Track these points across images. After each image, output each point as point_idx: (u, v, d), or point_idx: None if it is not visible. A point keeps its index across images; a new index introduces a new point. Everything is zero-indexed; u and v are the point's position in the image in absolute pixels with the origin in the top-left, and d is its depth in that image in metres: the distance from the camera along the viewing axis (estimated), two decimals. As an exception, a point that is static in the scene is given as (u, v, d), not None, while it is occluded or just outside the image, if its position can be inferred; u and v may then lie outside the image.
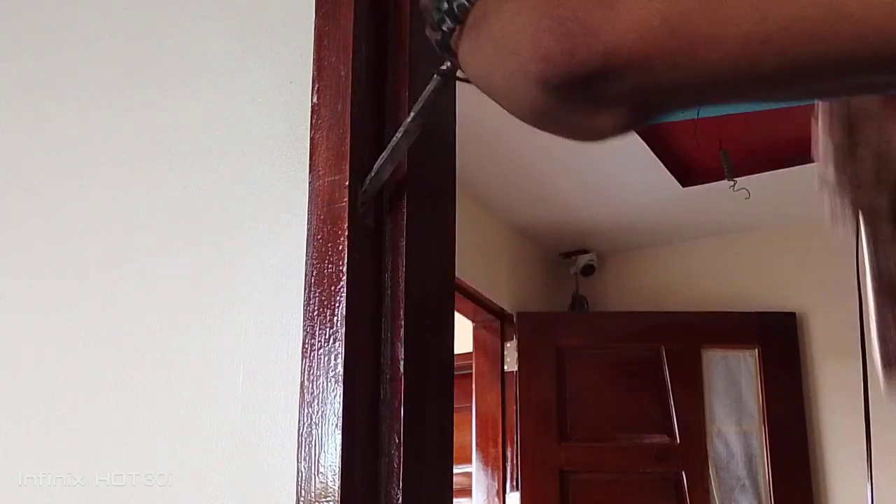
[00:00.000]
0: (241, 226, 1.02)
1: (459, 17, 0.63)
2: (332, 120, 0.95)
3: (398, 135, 0.89)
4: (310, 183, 0.95)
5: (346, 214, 0.91)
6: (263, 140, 1.04)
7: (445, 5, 0.64)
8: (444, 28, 0.64)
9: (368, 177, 0.93)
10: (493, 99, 0.59)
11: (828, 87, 0.49)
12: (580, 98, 0.52)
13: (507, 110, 0.58)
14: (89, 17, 1.23)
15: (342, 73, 0.96)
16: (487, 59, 0.57)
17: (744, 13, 0.45)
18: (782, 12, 0.44)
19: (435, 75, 0.81)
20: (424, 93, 0.84)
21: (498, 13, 0.56)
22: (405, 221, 0.96)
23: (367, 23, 0.99)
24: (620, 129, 0.55)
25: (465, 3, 0.62)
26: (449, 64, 0.73)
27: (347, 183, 0.92)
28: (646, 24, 0.48)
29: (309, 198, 0.95)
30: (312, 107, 0.98)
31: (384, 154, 0.92)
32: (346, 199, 0.92)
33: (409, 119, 0.87)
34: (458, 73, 0.69)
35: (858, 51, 0.44)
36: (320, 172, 0.95)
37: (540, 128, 0.58)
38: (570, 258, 3.78)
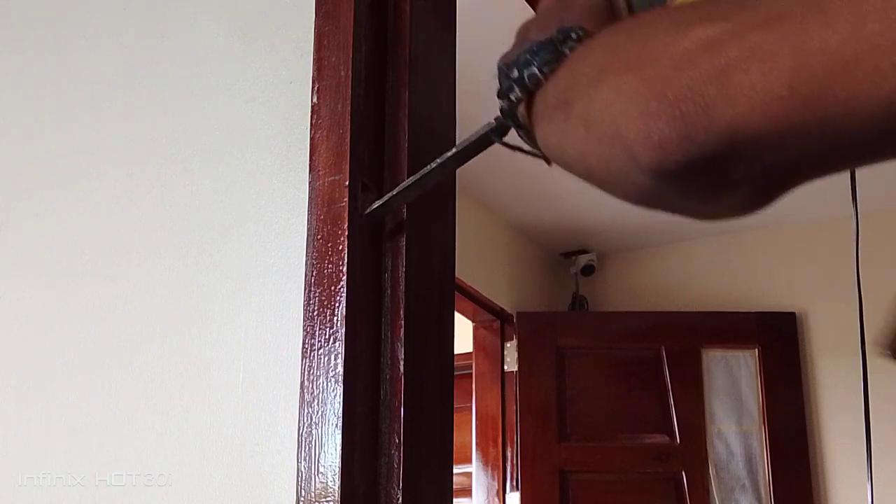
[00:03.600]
0: (241, 226, 1.02)
1: (530, 88, 0.60)
2: (332, 120, 0.95)
3: (435, 163, 0.86)
4: (310, 183, 0.95)
5: (346, 214, 0.91)
6: (263, 140, 1.04)
7: (515, 73, 0.61)
8: (512, 97, 0.61)
9: (386, 197, 0.92)
10: (588, 181, 0.54)
11: None
12: (700, 183, 0.47)
13: (607, 192, 0.53)
14: (89, 17, 1.23)
15: (342, 73, 0.96)
16: (581, 144, 0.52)
17: (886, 71, 0.39)
18: None
19: (487, 131, 0.77)
20: (470, 137, 0.80)
21: (590, 96, 0.51)
22: (405, 222, 0.96)
23: (367, 23, 0.99)
24: (746, 210, 0.50)
25: (538, 73, 0.58)
26: (499, 120, 0.67)
27: (347, 183, 0.92)
28: (771, 97, 0.42)
29: (309, 198, 0.95)
30: (312, 107, 0.98)
31: (410, 180, 0.90)
32: (346, 199, 0.92)
33: (452, 151, 0.85)
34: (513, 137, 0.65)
35: None
36: (320, 172, 0.95)
37: (647, 208, 0.53)
38: (570, 258, 3.78)
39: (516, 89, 0.61)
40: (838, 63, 0.41)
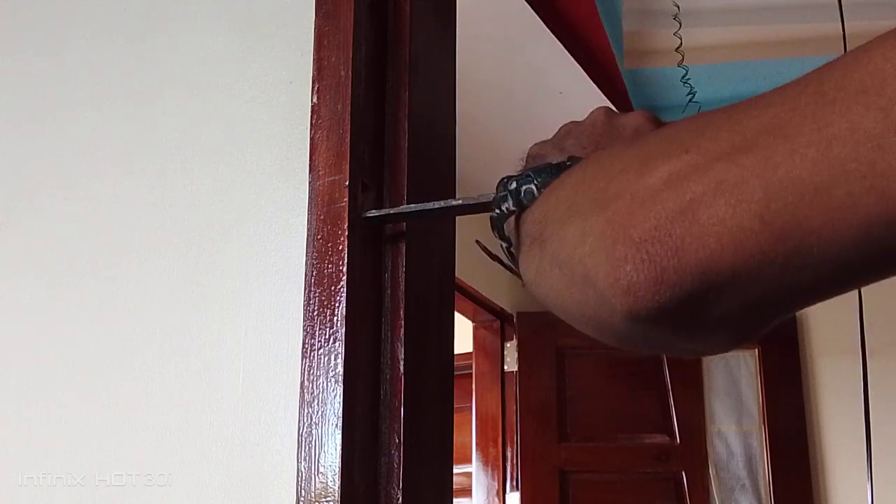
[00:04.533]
0: (241, 226, 1.02)
1: (523, 204, 0.58)
2: (332, 120, 0.95)
3: (438, 204, 0.87)
4: (310, 183, 0.95)
5: (346, 214, 0.91)
6: (263, 140, 1.04)
7: (513, 185, 0.59)
8: (503, 208, 0.60)
9: (385, 211, 0.93)
10: (567, 321, 0.52)
11: None
12: (678, 325, 0.44)
13: (587, 333, 0.51)
14: (89, 17, 1.23)
15: (342, 73, 0.96)
16: (556, 284, 0.50)
17: (859, 195, 0.37)
18: None
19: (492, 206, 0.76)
20: (481, 197, 0.79)
21: (560, 236, 0.49)
22: (405, 222, 0.96)
23: (367, 23, 0.99)
24: (733, 346, 0.47)
25: (534, 189, 0.57)
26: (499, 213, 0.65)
27: (347, 183, 0.92)
28: (742, 232, 0.40)
29: (309, 198, 0.95)
30: (312, 107, 0.98)
31: (412, 207, 0.91)
32: (346, 199, 0.92)
33: (457, 201, 0.86)
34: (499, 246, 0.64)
35: None
36: (320, 172, 0.95)
37: (631, 349, 0.52)
38: (570, 258, 3.78)
39: (509, 202, 0.59)
40: (809, 191, 0.38)
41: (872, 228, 0.38)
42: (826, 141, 0.38)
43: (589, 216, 0.46)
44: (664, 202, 0.42)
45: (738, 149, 0.41)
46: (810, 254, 0.39)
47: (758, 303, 0.43)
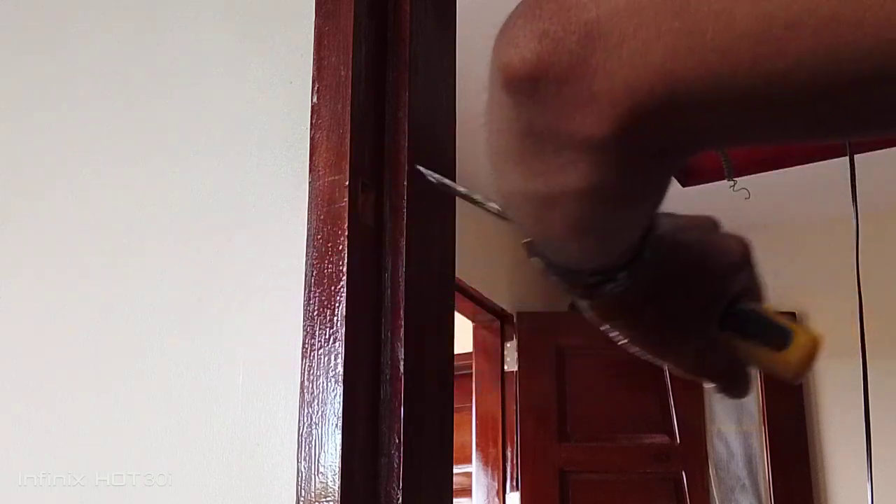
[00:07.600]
0: (241, 226, 1.02)
1: None
2: (332, 120, 0.95)
3: None
4: (310, 183, 0.95)
5: (346, 214, 0.91)
6: (263, 140, 1.04)
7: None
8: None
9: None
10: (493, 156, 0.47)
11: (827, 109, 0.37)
12: (553, 96, 0.40)
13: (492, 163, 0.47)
14: (89, 18, 1.23)
15: (342, 73, 0.96)
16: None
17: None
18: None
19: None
20: None
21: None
22: (405, 221, 0.95)
23: (367, 23, 0.99)
24: (603, 126, 0.41)
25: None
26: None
27: (347, 183, 0.92)
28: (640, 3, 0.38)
29: (309, 198, 0.95)
30: (312, 107, 0.98)
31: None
32: (346, 199, 0.92)
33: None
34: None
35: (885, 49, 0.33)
36: (320, 172, 0.95)
37: (512, 181, 0.47)
38: (570, 258, 3.77)
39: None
40: None
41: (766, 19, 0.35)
42: None
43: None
44: None
45: None
46: (703, 39, 0.36)
47: (637, 92, 0.39)
